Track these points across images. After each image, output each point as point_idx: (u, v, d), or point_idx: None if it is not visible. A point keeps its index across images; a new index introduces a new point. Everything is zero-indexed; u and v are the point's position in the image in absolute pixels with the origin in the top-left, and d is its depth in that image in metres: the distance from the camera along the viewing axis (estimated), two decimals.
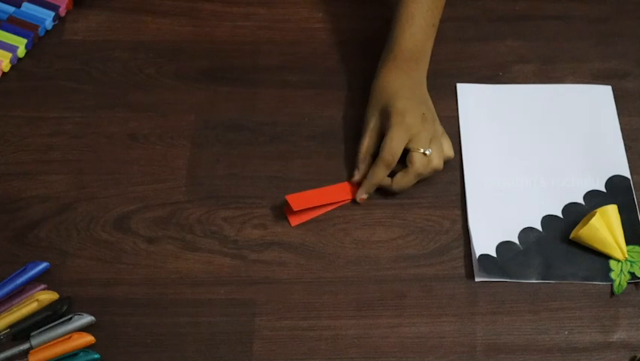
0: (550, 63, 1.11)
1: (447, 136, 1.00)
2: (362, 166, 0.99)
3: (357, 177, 0.99)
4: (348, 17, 1.15)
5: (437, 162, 0.97)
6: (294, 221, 0.97)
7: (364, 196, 0.98)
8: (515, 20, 1.15)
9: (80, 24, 1.13)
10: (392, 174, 0.98)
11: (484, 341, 0.90)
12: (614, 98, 1.08)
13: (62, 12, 1.13)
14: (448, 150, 1.00)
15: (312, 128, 1.04)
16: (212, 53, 1.10)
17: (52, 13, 1.12)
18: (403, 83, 1.00)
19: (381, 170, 0.97)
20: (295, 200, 0.96)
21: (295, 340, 0.90)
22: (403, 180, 0.97)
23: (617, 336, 0.90)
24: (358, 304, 0.92)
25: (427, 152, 0.96)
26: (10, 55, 1.08)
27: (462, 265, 0.94)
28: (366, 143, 0.99)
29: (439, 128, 0.99)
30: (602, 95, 1.08)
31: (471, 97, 1.07)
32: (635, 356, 0.89)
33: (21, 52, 1.09)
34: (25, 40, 1.09)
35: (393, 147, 0.96)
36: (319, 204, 0.97)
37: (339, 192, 0.98)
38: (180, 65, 1.10)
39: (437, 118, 1.00)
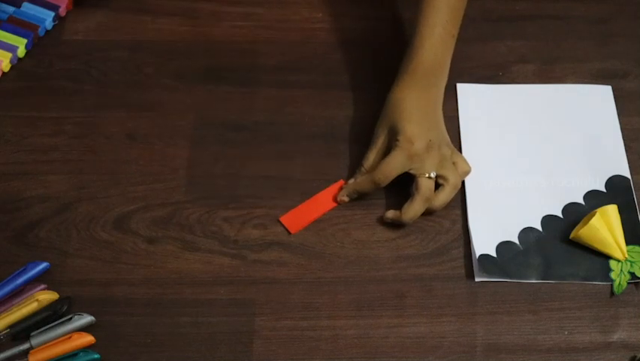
0: (550, 63, 1.11)
1: (458, 153, 0.99)
2: (359, 179, 0.98)
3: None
4: (348, 17, 1.15)
5: (453, 180, 0.96)
6: (293, 229, 0.96)
7: (345, 199, 0.98)
8: (515, 20, 1.15)
9: (80, 24, 1.13)
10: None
11: (484, 341, 0.90)
12: (614, 98, 1.07)
13: (62, 12, 1.13)
14: (464, 166, 0.98)
15: (312, 128, 1.04)
16: (211, 53, 1.10)
17: (52, 14, 1.12)
18: (418, 102, 0.98)
19: (368, 184, 0.97)
20: (290, 221, 0.96)
21: (295, 340, 0.90)
22: (410, 210, 0.95)
23: (617, 336, 0.90)
24: (358, 304, 0.92)
25: (432, 174, 0.95)
26: (10, 55, 1.08)
27: (462, 265, 0.94)
28: (371, 159, 0.98)
29: (447, 151, 0.97)
30: (602, 95, 1.08)
31: (471, 97, 1.07)
32: (635, 356, 0.89)
33: (21, 52, 1.09)
34: (25, 41, 1.09)
35: (389, 170, 0.95)
36: (313, 218, 0.97)
37: (330, 200, 0.98)
38: (180, 65, 1.10)
39: (446, 140, 0.99)
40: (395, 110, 0.98)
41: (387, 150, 0.97)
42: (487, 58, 1.11)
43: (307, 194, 0.99)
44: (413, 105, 0.98)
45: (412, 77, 0.99)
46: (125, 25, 1.14)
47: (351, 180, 0.99)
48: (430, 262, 0.95)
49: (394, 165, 0.95)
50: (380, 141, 0.98)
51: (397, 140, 0.95)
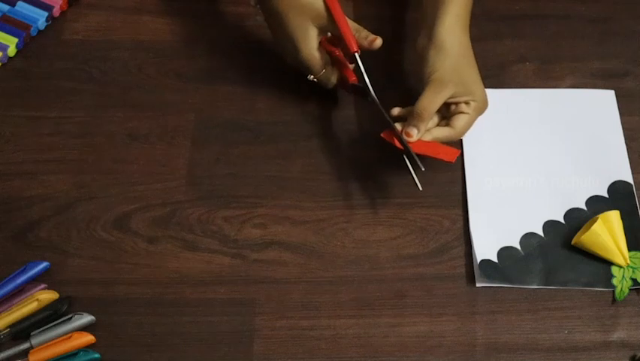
0: (550, 63, 1.11)
1: None
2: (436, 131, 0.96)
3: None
4: (348, 17, 1.15)
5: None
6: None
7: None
8: (515, 20, 1.15)
9: (80, 24, 1.13)
10: None
11: (484, 340, 0.90)
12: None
13: (56, 12, 1.13)
14: None
15: (312, 128, 1.04)
16: (211, 53, 1.10)
17: (46, 14, 1.12)
18: (470, 47, 0.97)
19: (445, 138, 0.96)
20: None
21: (295, 339, 0.90)
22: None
23: (617, 335, 0.90)
24: (358, 303, 0.92)
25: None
26: (0, 53, 1.08)
27: (462, 265, 0.94)
28: (436, 105, 0.94)
29: None
30: (605, 99, 1.07)
31: None
32: (635, 355, 0.89)
33: (11, 51, 1.09)
34: (16, 40, 1.09)
35: (466, 131, 0.96)
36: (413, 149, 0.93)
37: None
38: (180, 65, 1.10)
39: None
40: (462, 61, 0.96)
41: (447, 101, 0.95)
42: (487, 58, 1.11)
43: (307, 193, 0.99)
44: (472, 56, 0.97)
45: (459, 18, 0.97)
46: (125, 25, 1.14)
47: (414, 131, 0.94)
48: (430, 261, 0.95)
49: (471, 124, 0.96)
50: (448, 92, 0.94)
51: (474, 101, 0.95)
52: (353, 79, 1.00)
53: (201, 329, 0.90)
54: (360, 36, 0.98)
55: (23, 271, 0.92)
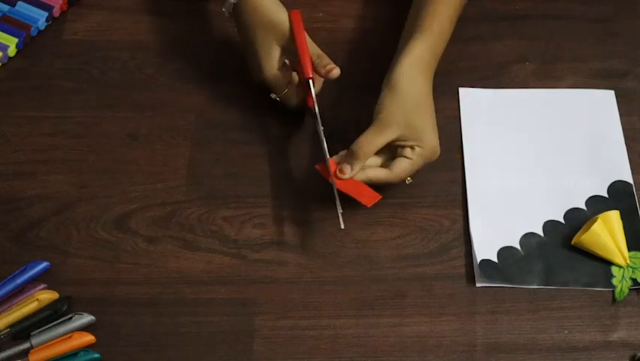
0: (550, 63, 1.11)
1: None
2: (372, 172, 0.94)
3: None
4: (348, 17, 1.15)
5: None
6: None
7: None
8: (515, 20, 1.15)
9: (80, 24, 1.13)
10: None
11: (484, 340, 0.90)
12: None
13: (56, 12, 1.13)
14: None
15: (312, 127, 1.04)
16: (211, 53, 1.11)
17: (46, 14, 1.12)
18: (429, 97, 0.95)
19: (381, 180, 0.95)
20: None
21: (295, 339, 0.90)
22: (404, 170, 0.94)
23: (617, 335, 0.90)
24: (358, 303, 0.92)
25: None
26: (0, 53, 1.08)
27: (462, 265, 0.94)
28: (375, 147, 0.93)
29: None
30: (605, 99, 1.07)
31: (473, 101, 1.06)
32: (635, 355, 0.89)
33: (11, 51, 1.09)
34: (16, 40, 1.09)
35: (406, 173, 0.94)
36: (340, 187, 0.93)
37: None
38: (180, 65, 1.10)
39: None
40: (415, 106, 0.94)
41: (393, 145, 0.94)
42: (487, 58, 1.11)
43: (307, 194, 0.99)
44: (428, 102, 0.95)
45: (420, 60, 0.96)
46: (125, 25, 1.14)
47: (348, 168, 0.93)
48: (430, 261, 0.95)
49: (412, 170, 0.94)
50: (392, 134, 0.93)
51: (420, 147, 0.93)
52: (311, 104, 0.99)
53: (201, 329, 0.90)
54: (319, 63, 0.98)
55: (23, 271, 0.92)
